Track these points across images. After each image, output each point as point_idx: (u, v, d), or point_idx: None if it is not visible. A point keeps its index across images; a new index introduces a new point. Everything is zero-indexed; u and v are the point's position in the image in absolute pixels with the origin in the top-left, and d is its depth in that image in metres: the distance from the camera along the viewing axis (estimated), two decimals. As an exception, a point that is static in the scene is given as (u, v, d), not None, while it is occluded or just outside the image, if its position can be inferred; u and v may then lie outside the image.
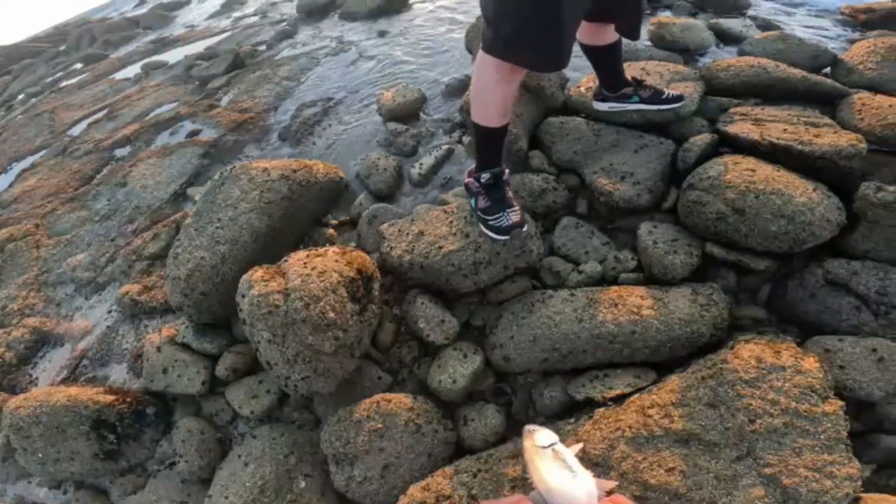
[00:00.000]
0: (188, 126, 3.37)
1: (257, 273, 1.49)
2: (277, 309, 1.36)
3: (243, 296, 1.44)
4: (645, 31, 2.64)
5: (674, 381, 1.20)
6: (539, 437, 0.98)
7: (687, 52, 2.49)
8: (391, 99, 2.52)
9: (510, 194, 1.44)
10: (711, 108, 1.91)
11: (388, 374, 1.53)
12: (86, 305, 2.22)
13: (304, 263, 1.47)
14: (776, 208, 1.34)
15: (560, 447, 0.95)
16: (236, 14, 5.78)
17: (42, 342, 2.13)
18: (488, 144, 1.45)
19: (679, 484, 1.04)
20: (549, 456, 0.91)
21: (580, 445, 1.08)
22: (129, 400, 1.66)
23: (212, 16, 6.18)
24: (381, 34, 3.56)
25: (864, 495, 1.08)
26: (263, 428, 1.51)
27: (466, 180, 1.48)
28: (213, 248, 1.74)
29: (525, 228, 1.40)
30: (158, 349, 1.71)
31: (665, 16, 2.88)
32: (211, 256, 1.72)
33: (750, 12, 2.93)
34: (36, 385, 1.96)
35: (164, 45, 5.71)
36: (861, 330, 1.34)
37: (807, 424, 1.08)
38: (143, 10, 8.22)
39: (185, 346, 1.71)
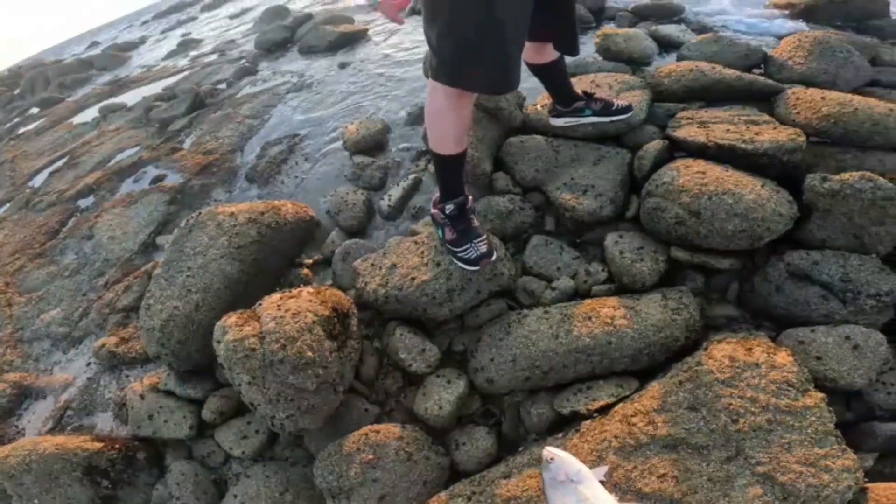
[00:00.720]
0: (152, 171, 3.33)
1: (231, 318, 1.50)
2: (254, 352, 1.38)
3: (219, 342, 1.45)
4: (592, 44, 2.75)
5: (654, 387, 1.21)
6: (554, 468, 0.96)
7: (633, 62, 2.60)
8: (355, 132, 2.55)
9: (476, 223, 1.46)
10: (660, 115, 2.00)
11: (376, 406, 1.54)
12: (64, 359, 2.22)
13: (278, 306, 1.48)
14: (729, 208, 1.39)
15: (582, 476, 0.93)
16: (193, 53, 5.77)
17: (24, 395, 2.14)
18: (448, 172, 1.47)
19: (674, 490, 1.04)
20: (563, 491, 0.90)
21: (606, 468, 1.07)
22: (117, 446, 1.67)
23: (168, 55, 6.15)
24: (342, 66, 3.61)
25: (870, 485, 1.08)
26: (257, 467, 1.51)
27: (432, 211, 1.50)
28: (186, 297, 1.74)
29: (493, 258, 1.42)
30: (142, 397, 1.71)
31: (609, 27, 3.00)
32: (184, 305, 1.72)
33: (686, 16, 3.08)
34: (23, 435, 1.97)
35: (121, 86, 5.65)
36: (832, 318, 1.36)
37: (791, 419, 1.08)
38: (96, 52, 8.14)
39: (169, 393, 1.71)
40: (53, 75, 7.56)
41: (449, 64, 1.21)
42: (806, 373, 1.18)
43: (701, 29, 2.84)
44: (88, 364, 2.13)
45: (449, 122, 1.33)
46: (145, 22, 9.33)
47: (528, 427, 1.37)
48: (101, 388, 2.01)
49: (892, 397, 1.27)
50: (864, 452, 1.21)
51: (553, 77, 1.79)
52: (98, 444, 1.65)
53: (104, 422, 1.88)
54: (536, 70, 1.71)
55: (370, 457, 1.31)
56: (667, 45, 2.74)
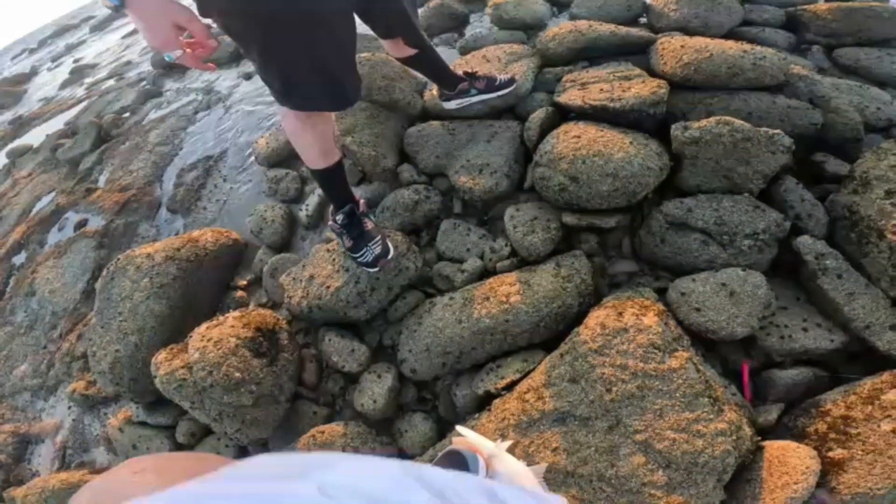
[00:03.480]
0: (73, 217, 3.23)
1: (161, 355, 1.61)
2: (186, 381, 1.50)
3: (155, 377, 1.56)
4: (487, 15, 2.76)
5: (544, 362, 1.25)
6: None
7: (528, 28, 2.63)
8: (265, 145, 2.53)
9: (370, 226, 1.52)
10: (549, 81, 2.06)
11: (325, 407, 1.64)
12: (47, 406, 2.32)
13: (202, 336, 1.57)
14: (601, 168, 1.47)
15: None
16: (88, 80, 5.42)
17: (26, 442, 2.27)
18: (328, 185, 1.52)
19: (566, 462, 1.06)
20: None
21: (509, 443, 1.10)
22: None
23: (64, 85, 5.75)
24: (248, 77, 3.50)
25: (766, 443, 1.07)
26: None
27: (329, 223, 1.55)
28: (124, 340, 1.81)
29: (390, 256, 1.49)
30: (121, 430, 1.82)
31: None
32: (125, 348, 1.80)
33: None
34: (38, 475, 2.12)
35: (23, 125, 5.30)
36: (715, 263, 1.39)
37: (659, 384, 1.08)
38: (-13, 88, 7.52)
39: (143, 423, 1.82)
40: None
41: (278, 90, 1.22)
42: (674, 332, 1.17)
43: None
44: (69, 407, 2.24)
45: (309, 140, 1.36)
46: (31, 50, 8.60)
47: (458, 409, 1.48)
48: (87, 426, 2.13)
49: (785, 342, 1.27)
50: (769, 404, 1.22)
51: (426, 66, 1.83)
52: (96, 476, 1.77)
53: (100, 455, 2.01)
54: (407, 63, 1.74)
55: None
56: (559, 6, 2.77)
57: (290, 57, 1.13)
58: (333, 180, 1.49)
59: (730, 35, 2.21)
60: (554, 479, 1.06)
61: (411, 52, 1.62)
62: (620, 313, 1.24)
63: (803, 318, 1.35)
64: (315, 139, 1.35)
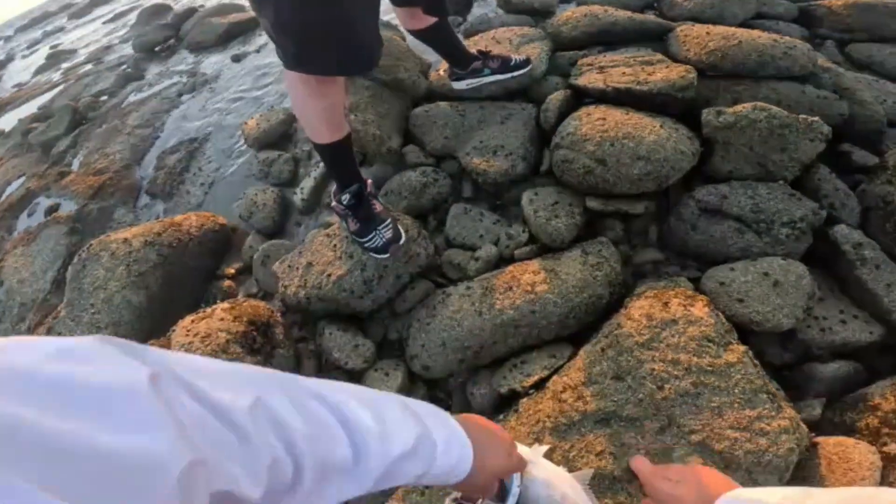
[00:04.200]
0: (44, 202, 3.02)
1: None
2: None
3: None
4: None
5: (581, 357, 1.15)
6: None
7: (536, 13, 2.55)
8: (255, 126, 2.37)
9: (378, 208, 1.39)
10: (563, 64, 1.97)
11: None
12: None
13: (188, 331, 1.40)
14: (631, 151, 1.38)
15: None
16: (66, 65, 5.15)
17: None
18: (335, 162, 1.38)
19: (613, 467, 0.98)
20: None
21: (546, 447, 0.99)
22: None
23: (39, 70, 5.47)
24: (236, 59, 3.32)
25: (819, 439, 1.02)
26: None
27: (332, 204, 1.41)
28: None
29: (402, 241, 1.36)
30: None
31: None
32: None
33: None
34: None
35: (-8, 111, 5.01)
36: (750, 252, 1.32)
37: (716, 380, 1.00)
38: (-42, 78, 7.14)
39: None
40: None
41: (296, 53, 1.10)
42: (725, 324, 1.10)
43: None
44: None
45: (318, 110, 1.23)
46: (7, 38, 8.22)
47: (474, 408, 1.35)
48: None
49: (825, 334, 1.21)
50: (810, 399, 1.16)
51: (439, 41, 1.71)
52: None
53: None
54: (419, 36, 1.62)
55: None
56: (569, -8, 2.70)
57: (310, 19, 1.02)
58: (340, 157, 1.35)
59: (743, 27, 2.16)
60: (599, 486, 0.96)
61: (429, 21, 1.50)
62: (666, 303, 1.14)
63: (840, 310, 1.29)
64: (325, 110, 1.23)
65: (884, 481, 0.97)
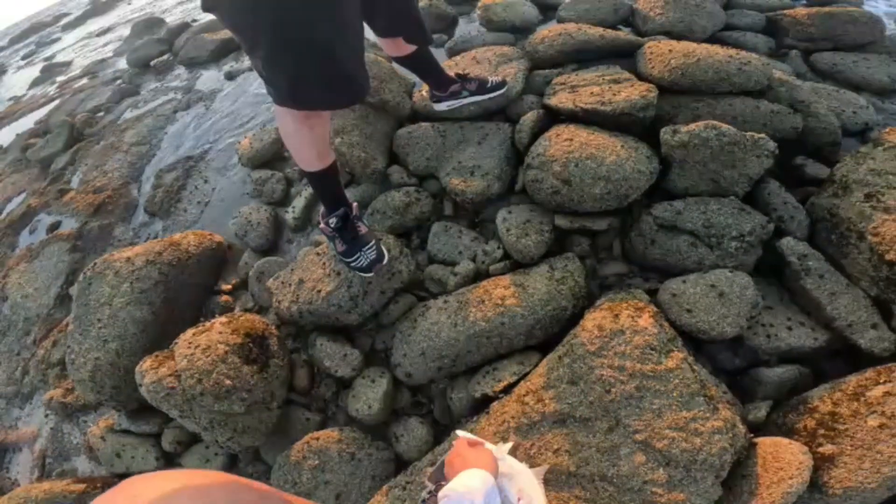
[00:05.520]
0: (45, 219, 3.12)
1: (147, 363, 1.55)
2: (174, 390, 1.45)
3: (140, 385, 1.51)
4: (476, 16, 2.76)
5: (542, 364, 1.25)
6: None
7: (517, 30, 2.64)
8: (249, 146, 2.47)
9: (363, 230, 1.50)
10: (539, 83, 2.07)
11: (318, 413, 1.61)
12: (24, 414, 2.24)
13: (189, 343, 1.52)
14: (593, 171, 1.48)
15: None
16: (61, 78, 5.22)
17: (3, 450, 2.19)
18: (322, 187, 1.49)
19: (568, 463, 1.07)
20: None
21: (510, 444, 1.11)
22: (99, 485, 1.72)
23: (34, 83, 5.53)
24: (230, 76, 3.41)
25: (759, 440, 1.09)
26: None
27: (321, 226, 1.52)
28: (104, 348, 1.75)
29: (385, 261, 1.47)
30: (103, 439, 1.76)
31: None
32: (105, 355, 1.74)
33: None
34: (18, 485, 2.04)
35: (-10, 125, 5.09)
36: (703, 264, 1.42)
37: (657, 384, 1.09)
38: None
39: (126, 432, 1.76)
40: None
41: (284, 90, 1.18)
42: (669, 333, 1.19)
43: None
44: (46, 415, 2.15)
45: (306, 141, 1.32)
46: (1, 49, 8.26)
47: (454, 413, 1.46)
48: (66, 434, 2.06)
49: (771, 340, 1.31)
50: (758, 401, 1.25)
51: (420, 66, 1.81)
52: (80, 486, 1.71)
53: (82, 464, 1.94)
54: (401, 62, 1.72)
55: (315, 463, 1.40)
56: (546, 9, 2.79)
57: (300, 59, 1.10)
58: (327, 183, 1.46)
59: (712, 39, 2.25)
60: (556, 480, 1.07)
61: (409, 49, 1.60)
62: (616, 315, 1.24)
63: (787, 318, 1.39)
64: (313, 141, 1.32)
65: (819, 480, 1.04)
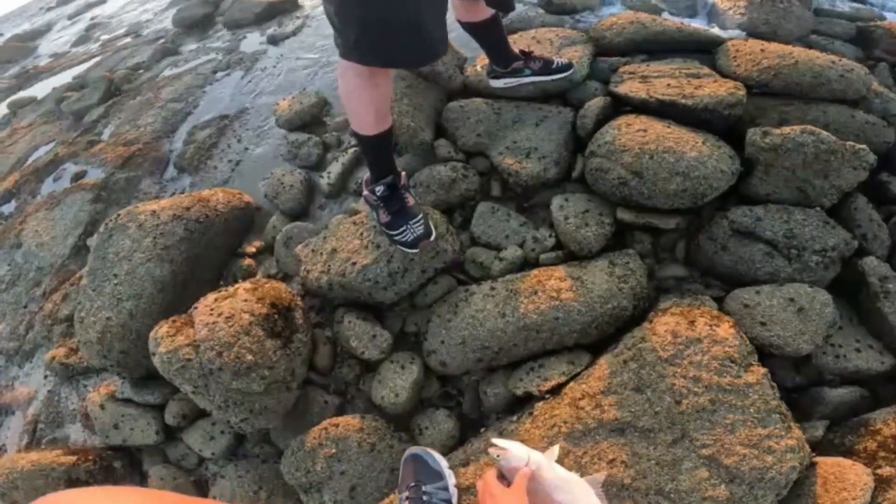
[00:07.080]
0: (71, 168, 3.05)
1: (163, 328, 1.42)
2: (190, 362, 1.32)
3: (154, 353, 1.39)
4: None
5: (601, 366, 1.17)
6: (504, 462, 0.91)
7: (576, 13, 2.51)
8: (288, 108, 2.37)
9: (411, 202, 1.37)
10: (604, 70, 1.93)
11: (337, 396, 1.50)
12: (22, 374, 2.14)
13: (211, 310, 1.40)
14: (670, 166, 1.36)
15: (536, 461, 0.89)
16: (105, 36, 5.21)
17: None
18: (374, 153, 1.37)
19: (623, 475, 1.02)
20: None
21: (556, 449, 1.03)
22: (91, 458, 1.63)
23: (78, 41, 5.54)
24: (272, 40, 3.33)
25: (818, 459, 1.06)
26: (229, 467, 1.48)
27: (364, 193, 1.40)
28: (118, 307, 1.63)
29: (433, 237, 1.34)
30: (102, 407, 1.65)
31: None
32: (117, 315, 1.61)
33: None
34: (5, 451, 1.95)
35: (28, 78, 5.10)
36: (778, 276, 1.33)
37: (733, 398, 1.05)
38: (-2, 43, 7.28)
39: (128, 401, 1.65)
40: (-49, 72, 6.75)
41: (357, 42, 1.08)
42: (748, 346, 1.14)
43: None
44: (46, 376, 2.04)
45: (365, 101, 1.21)
46: (49, 9, 8.36)
47: (485, 408, 1.34)
48: (64, 399, 1.95)
49: (839, 361, 1.26)
50: (814, 420, 1.21)
51: (488, 36, 1.68)
52: (71, 458, 1.62)
53: (76, 433, 1.83)
54: (470, 29, 1.60)
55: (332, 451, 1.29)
56: (607, -4, 2.65)
57: (380, 7, 1.01)
58: (380, 148, 1.35)
59: (797, 44, 2.10)
60: (607, 492, 1.00)
61: (485, 15, 1.48)
62: (692, 322, 1.15)
63: (856, 339, 1.32)
64: (374, 100, 1.22)
65: (874, 501, 1.01)
